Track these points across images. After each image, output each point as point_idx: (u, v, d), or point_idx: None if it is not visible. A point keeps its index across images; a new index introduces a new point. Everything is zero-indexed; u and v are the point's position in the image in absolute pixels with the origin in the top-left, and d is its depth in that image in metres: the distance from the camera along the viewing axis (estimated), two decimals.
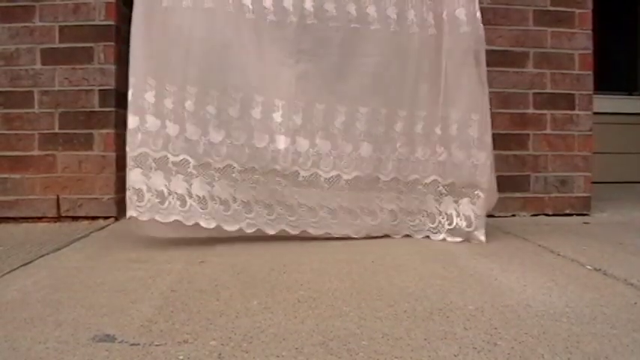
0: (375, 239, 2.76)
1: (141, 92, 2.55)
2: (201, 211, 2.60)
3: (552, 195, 3.59)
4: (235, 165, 2.66)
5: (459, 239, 2.77)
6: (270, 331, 1.49)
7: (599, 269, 2.16)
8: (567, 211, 3.60)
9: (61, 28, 3.31)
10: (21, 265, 2.21)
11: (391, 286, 1.94)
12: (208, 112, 2.63)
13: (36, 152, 3.31)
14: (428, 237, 2.82)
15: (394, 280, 2.02)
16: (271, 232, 2.70)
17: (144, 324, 1.54)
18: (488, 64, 3.43)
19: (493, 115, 3.42)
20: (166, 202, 2.56)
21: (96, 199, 3.31)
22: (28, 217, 3.30)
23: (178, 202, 2.57)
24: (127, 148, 2.55)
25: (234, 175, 2.66)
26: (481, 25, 2.77)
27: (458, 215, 2.79)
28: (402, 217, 2.85)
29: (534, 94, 3.57)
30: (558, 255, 2.43)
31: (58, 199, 3.30)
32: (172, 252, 2.47)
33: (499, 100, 3.52)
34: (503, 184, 3.48)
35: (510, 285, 1.95)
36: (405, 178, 2.83)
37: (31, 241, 2.74)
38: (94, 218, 3.30)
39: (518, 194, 3.56)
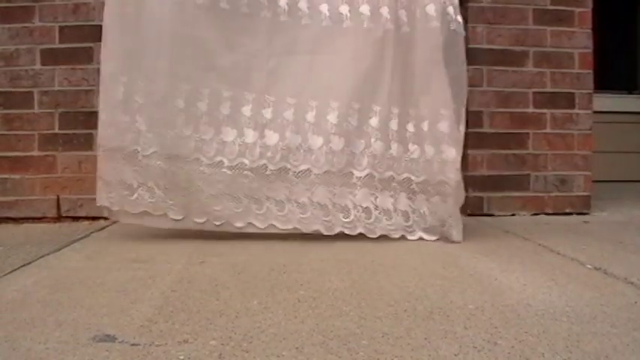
0: (375, 238, 2.75)
1: (111, 86, 2.61)
2: (169, 202, 2.65)
3: (552, 194, 3.59)
4: (204, 159, 2.67)
5: (434, 237, 2.76)
6: (270, 330, 1.49)
7: (599, 268, 2.16)
8: (567, 210, 3.60)
9: (61, 29, 3.31)
10: (21, 266, 2.22)
11: (391, 285, 1.94)
12: (177, 106, 2.64)
13: (36, 152, 3.31)
14: (404, 237, 2.77)
15: (394, 279, 2.03)
16: (239, 224, 2.70)
17: (144, 324, 1.54)
18: (488, 63, 3.49)
19: (493, 115, 3.47)
20: (135, 194, 2.63)
21: (96, 199, 3.29)
22: (28, 217, 3.31)
23: (147, 194, 2.63)
24: (99, 141, 2.64)
25: (201, 168, 2.66)
26: (456, 20, 2.73)
27: (431, 213, 2.77)
28: (378, 215, 2.78)
29: (534, 93, 3.57)
30: (558, 254, 2.43)
31: (58, 200, 3.31)
32: (172, 252, 2.47)
33: (499, 100, 3.52)
34: (503, 183, 3.51)
35: (510, 284, 1.95)
36: (380, 174, 2.77)
37: (31, 241, 2.74)
38: (94, 218, 3.30)
39: (518, 193, 3.56)
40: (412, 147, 2.79)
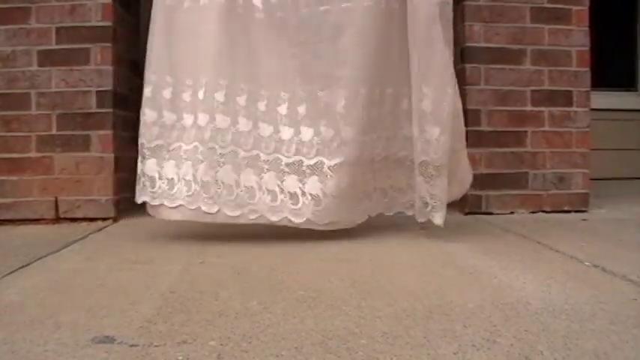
0: (374, 238, 2.76)
1: (160, 88, 2.68)
2: (204, 195, 2.65)
3: (550, 192, 3.59)
4: (241, 151, 2.68)
5: (422, 220, 2.76)
6: (269, 331, 1.49)
7: (598, 266, 2.16)
8: (566, 208, 3.60)
9: (58, 30, 3.31)
10: (19, 268, 2.21)
11: (390, 284, 1.94)
12: (217, 99, 2.67)
13: (33, 154, 3.31)
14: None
15: (393, 278, 2.02)
16: (274, 218, 2.68)
17: (143, 325, 1.54)
18: (485, 62, 3.51)
19: (491, 113, 3.48)
20: (175, 188, 2.67)
21: (94, 200, 3.30)
22: (26, 219, 3.30)
23: (185, 187, 2.66)
24: (143, 140, 2.68)
25: (237, 160, 2.68)
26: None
27: (415, 192, 2.79)
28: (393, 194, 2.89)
29: (532, 91, 3.56)
30: (557, 252, 2.43)
31: (56, 201, 3.30)
32: (172, 253, 2.47)
33: (497, 98, 3.52)
34: (501, 181, 3.51)
35: (509, 282, 1.95)
36: (394, 155, 2.85)
37: (29, 243, 2.74)
38: (92, 220, 3.30)
39: (516, 191, 3.56)
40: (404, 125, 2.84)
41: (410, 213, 2.87)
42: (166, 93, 2.68)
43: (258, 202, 2.67)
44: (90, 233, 2.97)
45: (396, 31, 2.73)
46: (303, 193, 2.68)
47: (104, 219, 3.30)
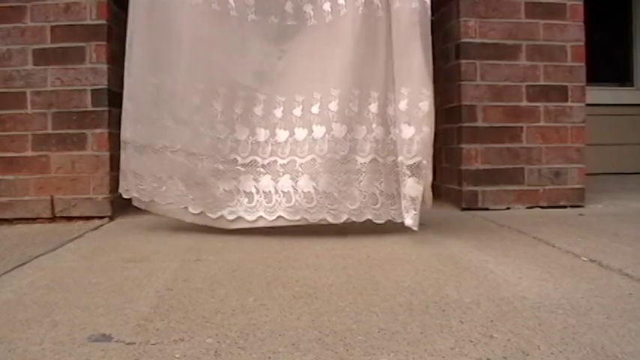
0: (370, 234, 2.76)
1: (142, 85, 2.72)
2: (190, 197, 2.75)
3: (547, 187, 3.59)
4: (218, 156, 2.74)
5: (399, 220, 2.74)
6: (266, 327, 1.49)
7: (595, 260, 2.16)
8: (562, 203, 3.60)
9: (53, 28, 3.29)
10: (16, 267, 2.20)
11: (387, 280, 1.95)
12: (193, 104, 2.72)
13: (29, 153, 3.30)
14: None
15: (390, 274, 2.03)
16: (250, 218, 2.74)
17: (140, 323, 1.54)
18: (480, 58, 3.50)
19: (486, 109, 3.48)
20: (164, 187, 2.74)
21: (90, 199, 3.30)
22: (22, 218, 3.29)
23: (174, 187, 2.75)
24: (127, 137, 2.78)
25: (216, 165, 2.74)
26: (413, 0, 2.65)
27: (382, 193, 2.77)
28: (384, 201, 2.81)
29: (527, 86, 3.57)
30: (553, 247, 2.43)
31: (52, 200, 3.29)
32: (168, 251, 2.47)
33: (492, 93, 3.52)
34: (497, 177, 3.52)
35: (506, 277, 1.95)
36: (383, 158, 2.78)
37: (25, 242, 2.73)
38: (88, 218, 3.30)
39: (512, 187, 3.56)
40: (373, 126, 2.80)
41: (400, 220, 2.76)
42: (150, 88, 2.72)
43: (237, 205, 2.76)
44: (86, 232, 2.96)
45: (381, 38, 2.75)
46: (277, 192, 2.74)
47: (100, 217, 3.29)
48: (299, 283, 1.92)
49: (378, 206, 2.77)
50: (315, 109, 2.75)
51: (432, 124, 2.65)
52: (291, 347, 1.35)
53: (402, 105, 2.65)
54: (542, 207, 3.58)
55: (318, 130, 2.73)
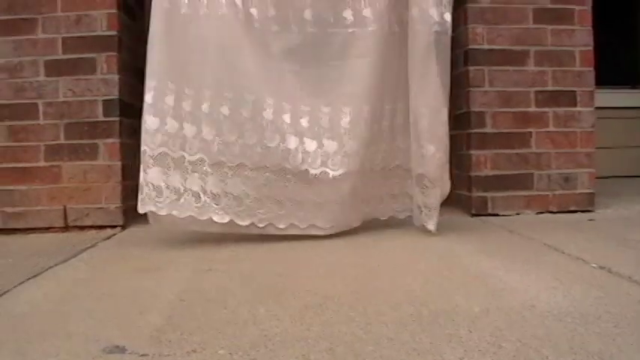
0: (379, 240, 2.79)
1: (161, 95, 2.68)
2: (215, 207, 2.73)
3: (556, 192, 3.59)
4: (248, 163, 2.78)
5: (418, 224, 2.95)
6: (277, 338, 1.51)
7: (604, 267, 2.16)
8: (572, 208, 3.60)
9: (64, 40, 3.33)
10: (30, 277, 2.23)
11: (396, 288, 1.96)
12: (222, 113, 2.75)
13: (42, 163, 3.33)
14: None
15: (399, 282, 2.04)
16: (281, 225, 2.82)
17: (153, 334, 1.56)
18: (489, 64, 3.50)
19: (495, 115, 3.49)
20: (182, 199, 2.71)
21: (102, 208, 3.33)
22: (35, 227, 3.32)
23: (193, 199, 2.72)
24: (146, 148, 2.68)
25: (246, 172, 2.77)
26: (436, 19, 2.77)
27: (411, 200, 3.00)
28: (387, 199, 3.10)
29: (536, 92, 3.57)
30: (563, 253, 2.44)
31: (65, 210, 3.33)
32: (179, 260, 2.49)
33: (501, 99, 3.53)
34: (507, 182, 3.52)
35: (515, 285, 1.96)
36: (389, 165, 3.05)
37: (39, 252, 2.76)
38: (101, 227, 3.33)
39: (522, 192, 3.56)
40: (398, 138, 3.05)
41: (402, 217, 3.09)
42: (170, 99, 2.72)
43: (268, 212, 2.80)
44: (98, 241, 2.99)
45: (396, 52, 2.89)
46: (308, 200, 2.81)
47: (113, 226, 3.32)
48: (310, 292, 1.93)
49: (382, 205, 3.08)
50: (345, 122, 2.86)
51: (448, 140, 2.88)
52: (301, 358, 1.37)
53: (423, 124, 2.80)
54: (552, 212, 3.57)
55: (350, 145, 2.85)
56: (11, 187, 3.34)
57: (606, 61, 4.41)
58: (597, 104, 3.72)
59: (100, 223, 3.33)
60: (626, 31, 6.36)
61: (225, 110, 2.76)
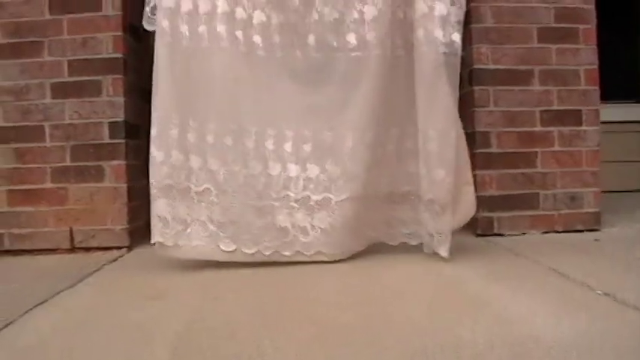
0: (385, 263, 2.79)
1: (166, 128, 2.72)
2: (222, 235, 2.77)
3: (562, 212, 3.58)
4: (252, 193, 2.80)
5: (429, 251, 2.90)
6: None
7: (609, 294, 2.15)
8: (578, 228, 3.59)
9: (70, 62, 3.35)
10: (36, 305, 2.23)
11: (402, 318, 1.97)
12: (226, 143, 2.78)
13: (48, 185, 3.35)
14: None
15: (405, 311, 2.05)
16: (287, 253, 2.82)
17: None
18: (494, 84, 3.50)
19: (500, 135, 3.49)
20: (189, 229, 2.75)
21: (109, 229, 3.34)
22: (42, 249, 3.34)
23: (201, 228, 2.76)
24: (152, 180, 2.72)
25: (250, 201, 2.79)
26: (443, 40, 2.75)
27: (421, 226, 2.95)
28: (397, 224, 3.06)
29: (541, 111, 3.56)
30: (568, 278, 2.42)
31: (71, 231, 3.34)
32: (185, 287, 2.50)
33: (506, 119, 3.53)
34: (512, 202, 3.52)
35: (521, 314, 1.96)
36: (397, 190, 3.02)
37: (45, 275, 2.78)
38: (107, 249, 3.33)
39: (527, 212, 3.55)
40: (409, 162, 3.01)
41: (413, 243, 3.03)
42: (175, 132, 2.74)
43: (273, 240, 2.80)
44: (104, 264, 2.99)
45: (402, 76, 2.86)
46: (313, 227, 2.81)
47: (119, 248, 3.33)
48: (315, 322, 1.93)
49: (392, 231, 3.05)
50: (348, 146, 2.84)
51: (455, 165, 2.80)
52: None
53: (432, 147, 2.77)
54: (557, 232, 3.56)
55: (353, 169, 2.85)
56: (18, 209, 3.36)
57: (609, 75, 4.40)
58: (604, 118, 3.73)
59: (106, 244, 3.34)
60: (628, 45, 6.35)
61: (229, 141, 2.79)
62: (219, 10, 2.78)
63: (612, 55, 4.13)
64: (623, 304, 2.04)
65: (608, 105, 4.37)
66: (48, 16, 3.37)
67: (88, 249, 3.35)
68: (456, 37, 2.77)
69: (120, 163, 3.35)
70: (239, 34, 2.80)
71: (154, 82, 2.74)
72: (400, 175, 2.99)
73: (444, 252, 2.78)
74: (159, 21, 2.75)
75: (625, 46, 6.23)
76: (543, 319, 1.90)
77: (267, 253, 2.81)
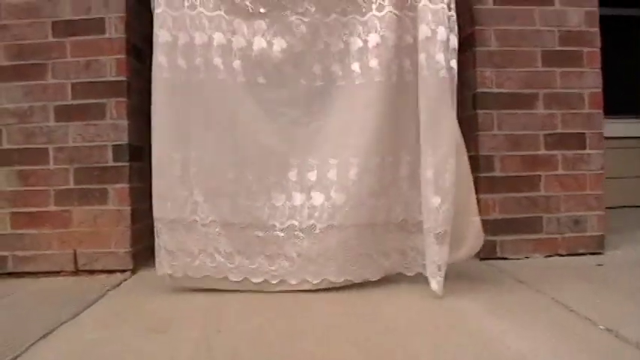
0: (386, 293, 2.80)
1: (168, 165, 2.77)
2: (229, 266, 2.81)
3: (565, 235, 3.58)
4: (257, 223, 2.83)
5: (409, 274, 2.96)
6: None
7: (612, 330, 2.15)
8: (581, 251, 3.59)
9: (74, 85, 3.37)
10: (40, 338, 2.23)
11: (403, 353, 1.98)
12: (227, 177, 2.81)
13: (52, 208, 3.36)
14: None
15: (406, 348, 2.04)
16: (293, 281, 2.84)
17: None
18: (497, 107, 3.51)
19: (504, 158, 3.48)
20: (197, 261, 2.80)
21: (112, 252, 3.35)
22: (46, 271, 3.35)
23: (208, 259, 2.81)
24: (157, 215, 2.78)
25: (256, 232, 2.83)
26: (444, 65, 2.72)
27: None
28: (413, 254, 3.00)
29: (545, 135, 3.57)
30: (571, 311, 2.41)
31: (75, 254, 3.35)
32: (188, 316, 2.50)
33: (510, 143, 3.53)
34: (516, 226, 3.51)
35: (522, 352, 1.96)
36: (412, 218, 2.96)
37: (49, 300, 2.79)
38: (110, 272, 3.34)
39: (530, 236, 3.55)
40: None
41: (410, 274, 3.02)
42: (176, 166, 2.78)
43: (279, 268, 2.83)
44: (108, 289, 2.99)
45: (413, 100, 2.80)
46: (319, 255, 2.81)
47: (122, 271, 3.33)
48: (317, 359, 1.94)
49: (390, 262, 2.98)
50: (352, 173, 2.83)
51: (454, 192, 2.72)
52: None
53: (429, 174, 2.71)
54: (561, 255, 3.56)
55: (356, 196, 2.84)
56: (22, 231, 3.37)
57: (614, 91, 4.40)
58: (607, 134, 3.74)
59: (109, 267, 3.35)
60: (630, 60, 6.34)
61: (231, 175, 2.81)
62: (215, 43, 2.80)
63: (612, 70, 4.10)
64: (624, 342, 2.04)
65: (609, 121, 4.36)
66: (51, 39, 3.39)
67: (91, 272, 3.35)
68: (454, 63, 2.79)
69: (123, 186, 3.36)
70: (236, 64, 2.81)
71: (152, 117, 2.80)
72: (414, 203, 2.91)
73: (435, 285, 2.68)
74: (156, 56, 2.78)
75: (625, 62, 6.21)
76: (545, 357, 1.91)
77: (274, 282, 2.84)
